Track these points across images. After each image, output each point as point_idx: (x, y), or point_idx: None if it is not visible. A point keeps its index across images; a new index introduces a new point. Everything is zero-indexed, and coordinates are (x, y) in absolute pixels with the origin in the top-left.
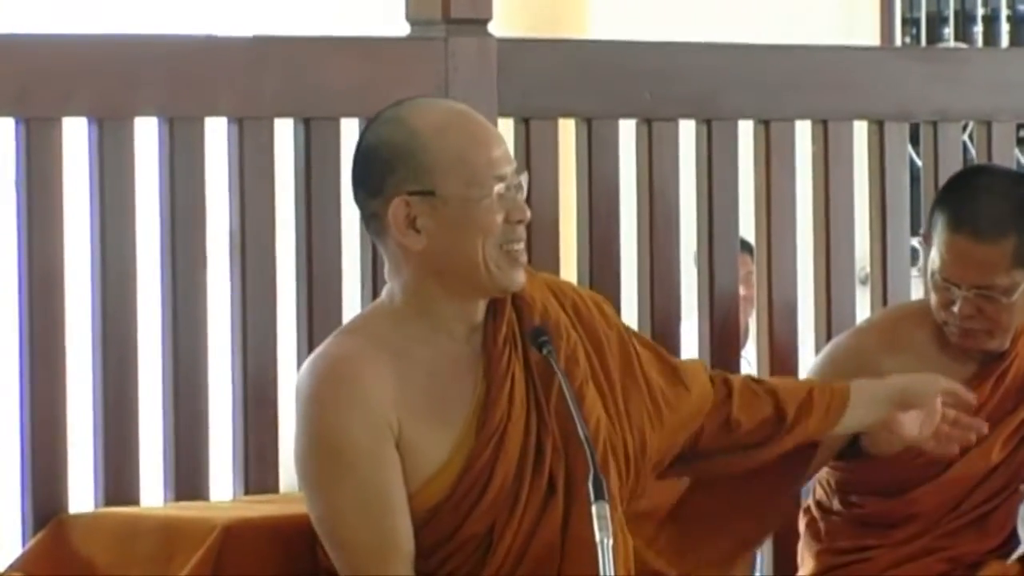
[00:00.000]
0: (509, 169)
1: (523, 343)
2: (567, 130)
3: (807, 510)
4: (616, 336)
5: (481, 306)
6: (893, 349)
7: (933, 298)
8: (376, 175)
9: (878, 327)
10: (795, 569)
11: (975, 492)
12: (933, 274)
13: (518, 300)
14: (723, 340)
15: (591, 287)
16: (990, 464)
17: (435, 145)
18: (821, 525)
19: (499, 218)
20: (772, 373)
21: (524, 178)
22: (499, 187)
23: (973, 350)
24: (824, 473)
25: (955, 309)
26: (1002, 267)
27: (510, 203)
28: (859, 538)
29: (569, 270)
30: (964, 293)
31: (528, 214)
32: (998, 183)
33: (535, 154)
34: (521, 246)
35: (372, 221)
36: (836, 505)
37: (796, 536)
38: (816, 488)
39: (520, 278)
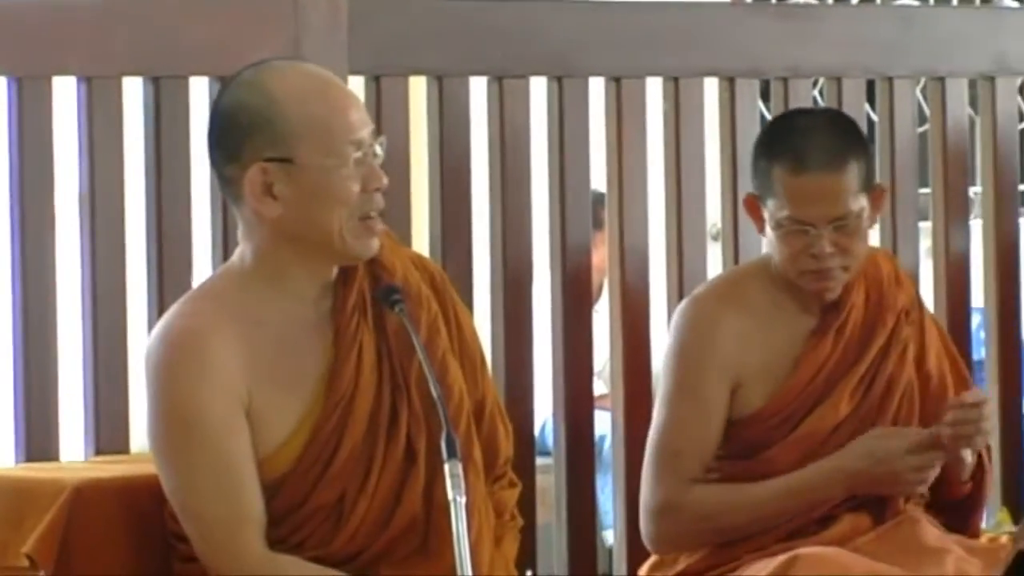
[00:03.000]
0: (366, 133)
1: (376, 310)
2: (418, 87)
3: None
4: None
5: (333, 271)
6: (732, 312)
7: (783, 251)
8: (233, 140)
9: (715, 292)
10: None
11: (825, 446)
12: (781, 225)
13: (376, 267)
14: (575, 294)
15: (443, 245)
16: (838, 418)
17: (294, 112)
18: None
19: (356, 187)
20: (624, 328)
21: (382, 142)
22: (356, 154)
23: (821, 298)
24: None
25: (814, 251)
26: (852, 192)
27: (367, 170)
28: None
29: (421, 228)
30: (821, 230)
31: (385, 181)
32: (818, 119)
33: (386, 112)
34: (378, 216)
35: (228, 185)
36: None
37: None
38: None
39: (374, 246)
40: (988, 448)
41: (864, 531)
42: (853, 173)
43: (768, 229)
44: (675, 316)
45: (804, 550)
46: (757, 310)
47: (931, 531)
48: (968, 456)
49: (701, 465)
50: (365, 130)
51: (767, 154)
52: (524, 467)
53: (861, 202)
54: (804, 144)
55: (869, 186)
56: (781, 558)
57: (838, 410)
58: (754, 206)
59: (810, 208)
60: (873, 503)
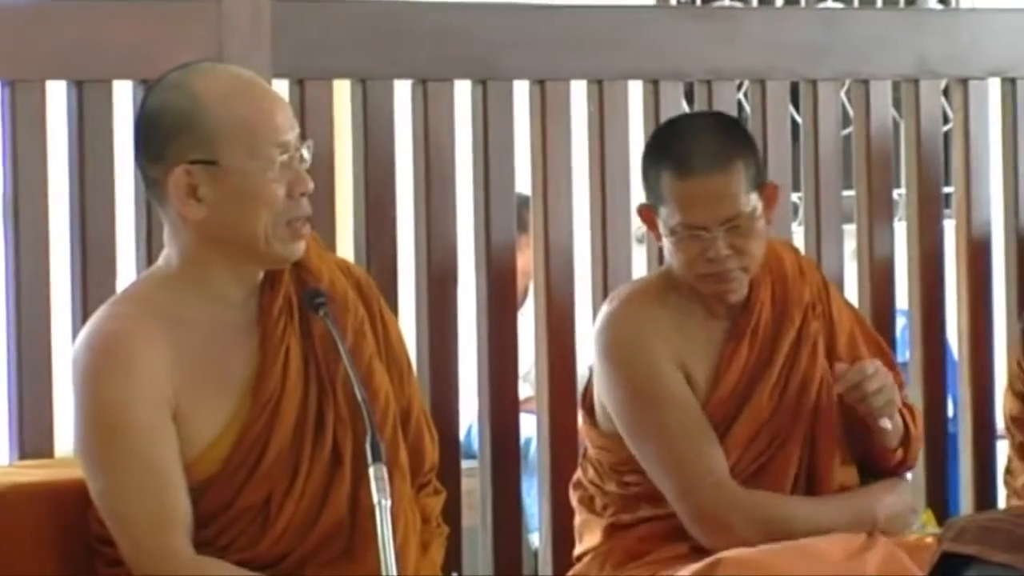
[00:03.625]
0: (292, 136)
1: (303, 314)
2: (342, 91)
3: (578, 484)
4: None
5: (259, 274)
6: (649, 327)
7: (680, 258)
8: (158, 141)
9: (630, 302)
10: (573, 543)
11: (749, 450)
12: (674, 231)
13: (302, 271)
14: (500, 298)
15: (368, 248)
16: (762, 420)
17: (218, 114)
18: (598, 501)
19: (281, 190)
20: (549, 331)
21: (309, 146)
22: (282, 157)
23: (724, 302)
24: (594, 453)
25: (710, 255)
26: (741, 192)
27: (292, 174)
28: (636, 510)
29: (345, 231)
30: (715, 233)
31: (311, 186)
32: (700, 122)
33: (310, 116)
34: (305, 220)
35: (153, 187)
36: (612, 487)
37: (571, 511)
38: (588, 467)
39: (300, 249)
40: (912, 412)
41: None
42: (740, 173)
43: (664, 237)
44: (602, 340)
45: (728, 553)
46: (666, 327)
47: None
48: (887, 424)
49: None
50: (291, 133)
51: (654, 162)
52: (450, 470)
53: (752, 201)
54: (688, 148)
55: (759, 184)
56: (706, 561)
57: (761, 412)
58: (648, 216)
59: (700, 211)
60: None
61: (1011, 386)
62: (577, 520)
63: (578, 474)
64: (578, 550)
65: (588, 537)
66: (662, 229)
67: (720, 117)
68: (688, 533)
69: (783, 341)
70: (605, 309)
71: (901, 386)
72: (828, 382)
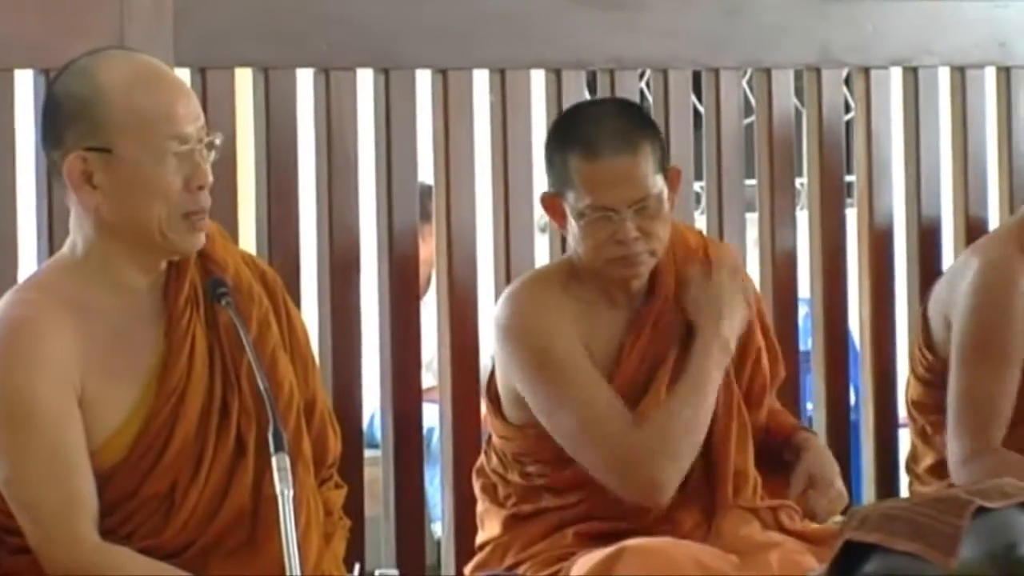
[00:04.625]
0: (193, 128)
1: (208, 304)
2: (245, 79)
3: (481, 471)
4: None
5: (163, 263)
6: (549, 315)
7: (588, 242)
8: (58, 127)
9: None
10: (475, 533)
11: None
12: (583, 214)
13: (207, 261)
14: (403, 287)
15: (270, 237)
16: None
17: (117, 101)
18: (501, 490)
19: (177, 182)
20: (452, 320)
21: (215, 140)
22: (179, 148)
23: (627, 290)
24: (497, 443)
25: (619, 237)
26: (649, 174)
27: (191, 167)
28: (538, 501)
29: (248, 220)
30: (624, 215)
31: (209, 179)
32: (605, 107)
33: (212, 104)
34: (203, 214)
35: (55, 173)
36: (515, 476)
37: (474, 501)
38: (491, 455)
39: (199, 241)
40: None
41: (695, 526)
42: (647, 154)
43: (571, 223)
44: (502, 320)
45: (631, 542)
46: (573, 306)
47: (757, 527)
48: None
49: None
50: (192, 125)
51: (560, 147)
52: (352, 460)
53: (659, 184)
54: (595, 131)
55: (664, 168)
56: (609, 550)
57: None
58: (553, 204)
59: (609, 192)
60: (702, 495)
61: (913, 370)
62: (479, 508)
63: (481, 460)
64: (479, 539)
65: (489, 526)
66: (570, 214)
67: (623, 102)
68: (589, 523)
69: (684, 327)
70: (504, 292)
71: (776, 378)
72: (727, 367)
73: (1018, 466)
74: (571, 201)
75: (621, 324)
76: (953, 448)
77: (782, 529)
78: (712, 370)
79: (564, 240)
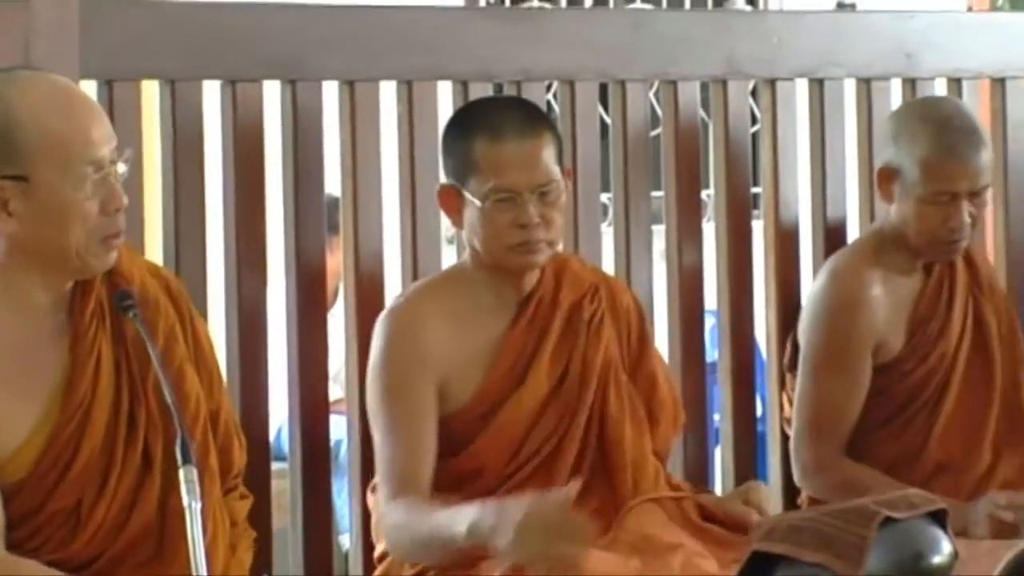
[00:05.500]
0: (107, 151)
1: (114, 318)
2: (151, 92)
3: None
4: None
5: (69, 282)
6: (433, 315)
7: (489, 228)
8: None
9: (416, 297)
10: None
11: (531, 435)
12: (486, 198)
13: (113, 275)
14: (310, 299)
15: (177, 251)
16: (537, 402)
17: (31, 128)
18: None
19: (94, 207)
20: (359, 332)
21: (127, 159)
22: (95, 175)
23: (518, 287)
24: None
25: (521, 221)
26: (551, 161)
27: (106, 191)
28: (437, 497)
29: (155, 233)
30: (526, 198)
31: (125, 202)
32: (503, 100)
33: (119, 117)
34: (120, 236)
35: None
36: None
37: None
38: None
39: (111, 262)
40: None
41: (594, 515)
42: (549, 141)
43: (470, 214)
44: (378, 325)
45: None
46: (458, 310)
47: (663, 524)
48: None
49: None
50: (106, 148)
51: (462, 134)
52: (260, 473)
53: (559, 174)
54: (500, 116)
55: (562, 163)
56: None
57: (537, 394)
58: (451, 196)
59: (514, 174)
60: (601, 486)
61: (785, 391)
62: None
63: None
64: (378, 551)
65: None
66: (471, 201)
67: (521, 98)
68: None
69: (558, 323)
70: (386, 309)
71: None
72: (614, 370)
73: (866, 480)
74: (473, 187)
75: (504, 324)
76: (800, 457)
77: (686, 521)
78: (456, 542)
79: None
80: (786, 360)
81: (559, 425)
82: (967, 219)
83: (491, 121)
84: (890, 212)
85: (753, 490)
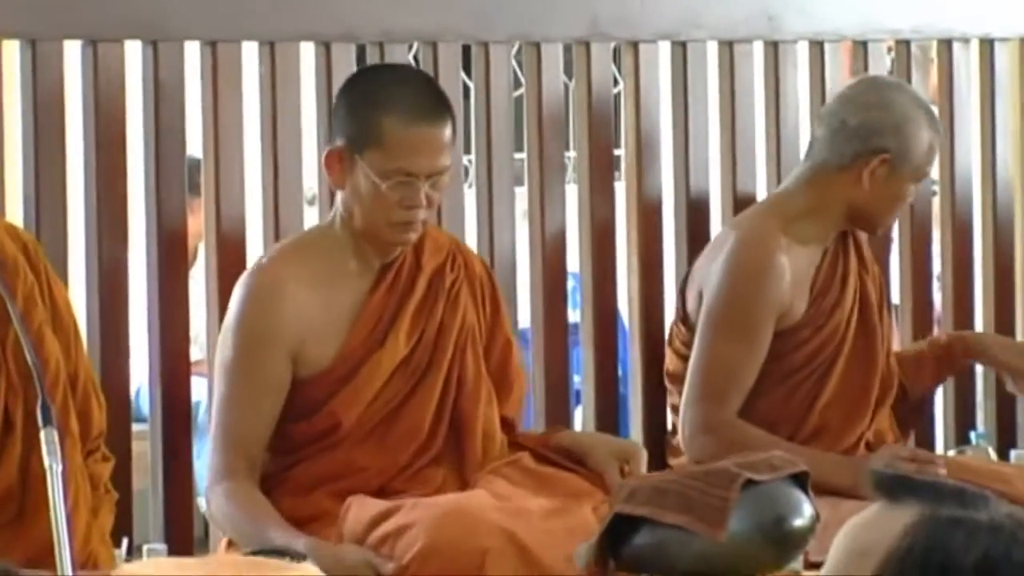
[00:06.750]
0: None
1: None
2: (11, 51)
3: None
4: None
5: None
6: (293, 278)
7: (379, 204)
8: None
9: (277, 260)
10: None
11: (384, 393)
12: (387, 176)
13: None
14: (171, 260)
15: (38, 213)
16: (394, 363)
17: None
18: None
19: None
20: (220, 294)
21: None
22: None
23: (389, 252)
24: None
25: (411, 202)
26: (451, 147)
27: None
28: (285, 464)
29: (15, 195)
30: (422, 183)
31: None
32: (414, 73)
33: None
34: None
35: None
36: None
37: None
38: None
39: None
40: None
41: (444, 483)
42: (450, 126)
43: (361, 183)
44: (237, 287)
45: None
46: (320, 274)
47: (510, 491)
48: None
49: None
50: None
51: (371, 105)
52: (120, 434)
53: (451, 157)
54: (415, 96)
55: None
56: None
57: (394, 355)
58: (341, 159)
59: (420, 159)
60: (451, 454)
61: (670, 343)
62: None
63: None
64: None
65: None
66: (366, 172)
67: (423, 73)
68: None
69: (419, 287)
70: (248, 270)
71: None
72: (471, 337)
73: (755, 440)
74: (372, 160)
75: (365, 288)
76: (689, 416)
77: (527, 474)
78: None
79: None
80: (675, 313)
81: (409, 382)
82: None
83: (406, 100)
84: (798, 182)
85: (635, 459)
